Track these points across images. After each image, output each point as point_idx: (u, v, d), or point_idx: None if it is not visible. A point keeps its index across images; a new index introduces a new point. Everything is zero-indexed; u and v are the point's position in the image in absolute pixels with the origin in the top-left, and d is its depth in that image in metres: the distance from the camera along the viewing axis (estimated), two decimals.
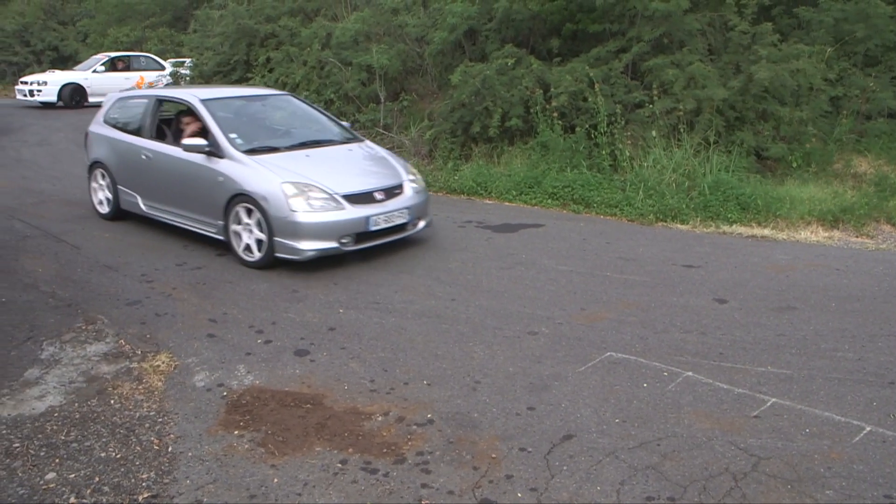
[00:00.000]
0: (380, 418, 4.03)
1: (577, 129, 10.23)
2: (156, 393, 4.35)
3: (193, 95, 7.53)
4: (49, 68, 22.84)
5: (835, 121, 10.22)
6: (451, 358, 4.79)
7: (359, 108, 13.32)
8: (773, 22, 10.62)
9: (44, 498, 3.32)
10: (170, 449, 3.74)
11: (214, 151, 6.86)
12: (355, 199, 6.57)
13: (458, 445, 3.75)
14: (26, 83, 20.58)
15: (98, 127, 8.59)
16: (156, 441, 3.81)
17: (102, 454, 3.69)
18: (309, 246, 6.31)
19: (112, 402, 4.24)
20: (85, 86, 20.72)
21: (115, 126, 8.35)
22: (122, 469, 3.56)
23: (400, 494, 3.36)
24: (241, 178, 6.59)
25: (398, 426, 3.95)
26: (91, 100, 20.23)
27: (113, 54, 22.06)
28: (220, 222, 6.83)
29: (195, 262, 6.76)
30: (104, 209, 8.43)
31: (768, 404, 4.15)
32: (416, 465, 3.58)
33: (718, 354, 4.82)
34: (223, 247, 7.19)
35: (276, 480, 3.46)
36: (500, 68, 10.92)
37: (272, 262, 6.52)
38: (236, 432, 3.90)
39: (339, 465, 3.58)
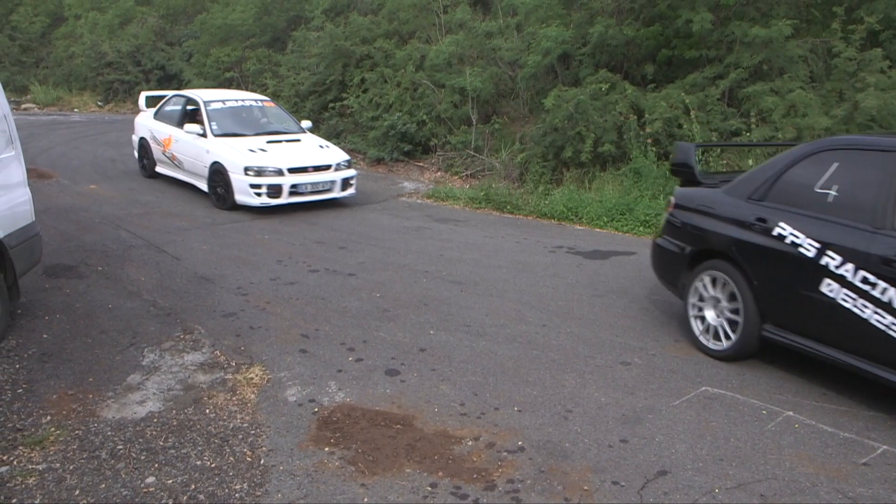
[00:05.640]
0: (470, 443, 4.00)
1: (672, 156, 10.02)
2: (249, 405, 4.44)
3: None
4: (156, 87, 23.62)
5: None
6: (541, 385, 4.72)
7: (450, 129, 13.44)
8: (881, 47, 10.20)
9: (144, 500, 3.42)
10: (262, 462, 3.80)
11: None
12: None
13: (549, 475, 3.68)
14: None
15: None
16: (248, 453, 3.88)
17: (198, 462, 3.78)
18: None
19: (207, 411, 4.35)
20: None
21: None
22: (217, 478, 3.64)
23: None
24: None
25: (488, 452, 3.90)
26: None
27: None
28: None
29: (288, 278, 6.89)
30: None
31: (878, 451, 3.93)
32: (506, 492, 3.53)
33: (821, 395, 4.60)
34: (316, 263, 7.33)
35: (366, 500, 3.46)
36: (594, 93, 10.84)
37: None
38: (327, 449, 3.93)
39: (429, 489, 3.56)
